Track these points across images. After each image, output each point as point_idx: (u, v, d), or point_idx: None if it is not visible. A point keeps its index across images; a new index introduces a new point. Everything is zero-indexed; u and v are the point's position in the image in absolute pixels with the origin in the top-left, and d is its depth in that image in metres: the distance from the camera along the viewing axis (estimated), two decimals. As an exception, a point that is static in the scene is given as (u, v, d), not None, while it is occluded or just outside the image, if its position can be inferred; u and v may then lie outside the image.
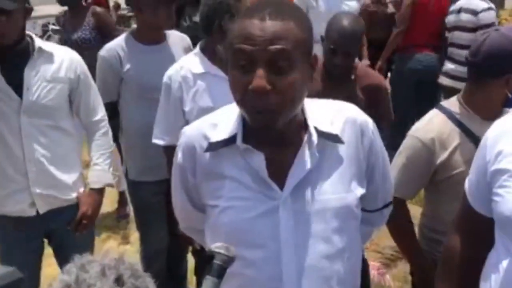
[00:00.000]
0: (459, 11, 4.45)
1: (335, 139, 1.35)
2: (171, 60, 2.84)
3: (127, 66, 2.82)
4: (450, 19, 4.49)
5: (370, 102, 2.60)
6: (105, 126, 2.57)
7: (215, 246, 1.15)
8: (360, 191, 1.39)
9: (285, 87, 1.24)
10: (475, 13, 4.35)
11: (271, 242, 1.33)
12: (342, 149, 1.37)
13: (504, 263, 1.32)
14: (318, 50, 3.38)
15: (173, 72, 2.50)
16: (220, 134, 1.36)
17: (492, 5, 4.45)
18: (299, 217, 1.33)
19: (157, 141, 2.56)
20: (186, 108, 2.47)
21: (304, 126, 1.35)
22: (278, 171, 1.33)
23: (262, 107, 1.24)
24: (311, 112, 1.37)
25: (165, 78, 2.51)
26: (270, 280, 1.33)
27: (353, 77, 2.67)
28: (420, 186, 2.09)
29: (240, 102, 1.28)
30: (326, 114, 1.38)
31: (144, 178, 2.89)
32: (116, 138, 3.03)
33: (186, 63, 2.51)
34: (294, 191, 1.33)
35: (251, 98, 1.24)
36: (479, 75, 1.95)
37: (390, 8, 5.16)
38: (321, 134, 1.34)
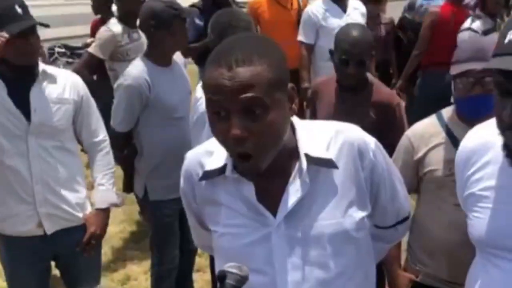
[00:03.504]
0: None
1: (328, 164, 1.33)
2: (183, 78, 2.96)
3: (154, 91, 2.84)
4: None
5: (380, 120, 2.55)
6: (107, 147, 2.59)
7: (228, 265, 1.15)
8: (359, 214, 1.36)
9: (262, 132, 1.22)
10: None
11: (266, 267, 1.33)
12: (338, 174, 1.34)
13: (481, 277, 1.36)
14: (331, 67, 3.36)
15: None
16: (214, 162, 1.37)
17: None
18: (293, 244, 1.32)
19: None
20: None
21: (296, 153, 1.33)
22: (271, 199, 1.33)
23: (242, 153, 1.23)
24: (306, 137, 1.34)
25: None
26: None
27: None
28: (406, 183, 2.16)
29: (225, 147, 1.28)
30: (322, 138, 1.36)
31: (169, 196, 2.89)
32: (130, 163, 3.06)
33: None
34: (287, 218, 1.32)
35: (231, 144, 1.23)
36: None
37: (382, 31, 5.14)
38: (313, 160, 1.32)
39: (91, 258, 2.54)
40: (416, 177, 2.12)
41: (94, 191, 2.57)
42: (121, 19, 4.12)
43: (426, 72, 4.97)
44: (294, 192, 1.32)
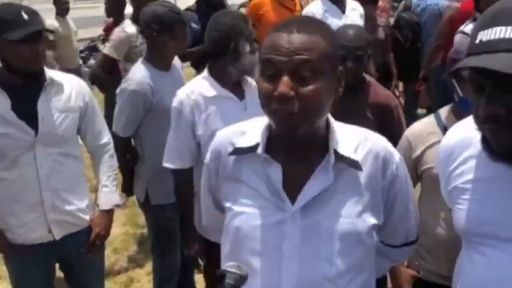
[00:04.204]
0: None
1: (354, 165, 1.38)
2: (182, 82, 2.96)
3: (157, 95, 2.87)
4: None
5: (378, 121, 2.56)
6: (111, 149, 2.62)
7: (227, 265, 1.16)
8: (373, 220, 1.40)
9: (307, 95, 1.29)
10: None
11: (274, 252, 1.36)
12: (361, 177, 1.39)
13: (467, 265, 1.40)
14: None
15: (184, 97, 2.50)
16: (245, 141, 1.43)
17: None
18: (305, 234, 1.35)
19: (168, 164, 2.57)
20: (199, 132, 2.48)
21: (325, 147, 1.38)
22: (294, 186, 1.36)
23: (285, 112, 1.28)
24: (337, 136, 1.39)
25: (175, 103, 2.52)
26: None
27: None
28: None
29: (266, 108, 1.33)
30: (352, 140, 1.41)
31: (170, 200, 2.91)
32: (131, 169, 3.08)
33: (197, 87, 2.52)
34: (305, 207, 1.35)
35: (276, 104, 1.29)
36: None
37: (381, 33, 5.13)
38: (341, 157, 1.37)
39: (95, 260, 2.57)
40: (416, 175, 2.15)
41: (98, 193, 2.59)
42: (135, 20, 4.11)
43: (443, 66, 4.93)
44: (316, 184, 1.36)
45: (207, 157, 1.53)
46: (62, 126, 2.36)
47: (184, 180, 2.58)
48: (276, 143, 1.40)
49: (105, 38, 5.95)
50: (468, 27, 4.15)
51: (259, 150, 1.39)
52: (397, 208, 1.47)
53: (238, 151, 1.43)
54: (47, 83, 2.34)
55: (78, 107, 2.43)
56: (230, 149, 1.45)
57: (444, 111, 2.17)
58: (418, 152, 2.13)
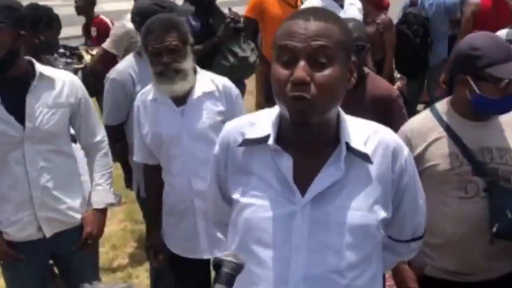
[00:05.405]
0: None
1: (364, 158, 1.38)
2: None
3: (139, 86, 2.86)
4: None
5: (379, 113, 2.48)
6: (105, 147, 2.59)
7: (224, 254, 1.16)
8: (383, 214, 1.40)
9: (323, 81, 1.29)
10: None
11: (283, 244, 1.36)
12: (371, 169, 1.39)
13: None
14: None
15: (138, 96, 2.56)
16: (255, 132, 1.42)
17: None
18: (315, 226, 1.35)
19: (134, 157, 2.64)
20: (144, 131, 2.51)
21: (336, 140, 1.39)
22: (304, 178, 1.36)
23: (301, 97, 1.28)
24: (347, 128, 1.40)
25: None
26: (276, 281, 1.36)
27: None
28: None
29: (281, 94, 1.32)
30: (361, 133, 1.41)
31: None
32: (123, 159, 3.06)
33: (149, 88, 2.54)
34: (315, 200, 1.36)
35: (291, 89, 1.29)
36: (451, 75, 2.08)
37: (370, 29, 5.10)
38: (351, 150, 1.37)
39: (88, 256, 2.56)
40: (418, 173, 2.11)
41: (92, 191, 2.57)
42: None
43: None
44: (327, 176, 1.36)
45: (216, 148, 1.53)
46: (50, 122, 2.32)
47: (148, 177, 2.62)
48: (286, 135, 1.39)
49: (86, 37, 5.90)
50: (503, 31, 3.96)
51: (270, 141, 1.38)
52: (405, 203, 1.47)
53: (247, 142, 1.42)
54: (36, 78, 2.31)
55: (68, 103, 2.39)
56: (240, 138, 1.44)
57: (441, 106, 2.12)
58: (419, 150, 2.07)
